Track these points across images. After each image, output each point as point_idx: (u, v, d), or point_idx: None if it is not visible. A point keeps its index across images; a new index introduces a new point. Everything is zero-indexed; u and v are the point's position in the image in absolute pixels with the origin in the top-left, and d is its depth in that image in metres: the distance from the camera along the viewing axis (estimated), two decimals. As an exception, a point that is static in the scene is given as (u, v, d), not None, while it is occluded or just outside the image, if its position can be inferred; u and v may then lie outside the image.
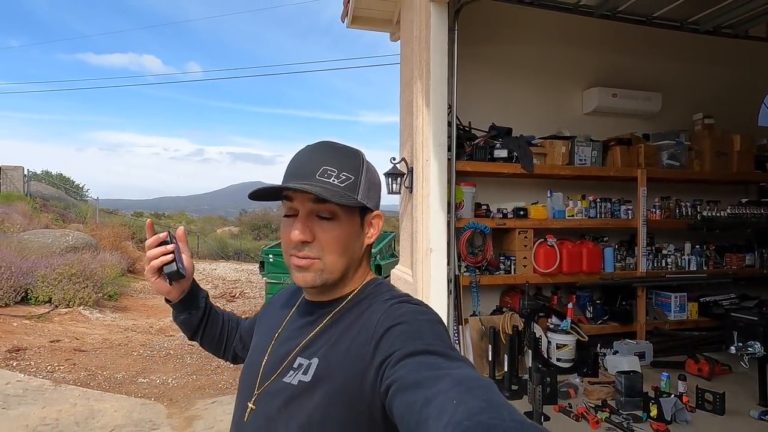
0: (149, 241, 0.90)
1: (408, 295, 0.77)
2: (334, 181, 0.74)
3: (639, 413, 2.54)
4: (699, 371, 3.19)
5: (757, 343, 2.61)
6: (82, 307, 5.38)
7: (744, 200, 4.26)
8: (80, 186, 21.96)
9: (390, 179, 3.65)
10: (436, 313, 0.73)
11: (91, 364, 3.68)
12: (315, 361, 0.73)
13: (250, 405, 0.77)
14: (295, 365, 0.75)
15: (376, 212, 0.82)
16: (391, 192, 3.69)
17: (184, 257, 0.93)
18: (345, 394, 0.68)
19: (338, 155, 0.77)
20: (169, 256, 0.89)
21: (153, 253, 0.88)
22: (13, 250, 5.67)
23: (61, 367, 3.54)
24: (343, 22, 4.56)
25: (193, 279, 0.99)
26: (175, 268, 0.89)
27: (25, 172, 15.21)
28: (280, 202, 0.79)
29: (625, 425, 2.41)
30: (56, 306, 5.35)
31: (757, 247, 4.23)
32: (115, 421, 2.68)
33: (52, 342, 4.13)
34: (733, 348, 2.63)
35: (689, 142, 4.05)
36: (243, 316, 1.16)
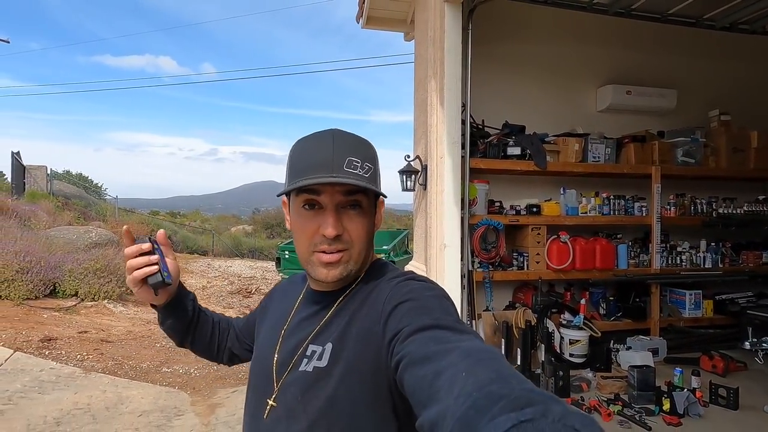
0: (129, 250, 0.82)
1: (413, 273, 0.78)
2: (359, 171, 0.73)
3: (651, 407, 2.57)
4: (713, 368, 3.19)
5: (772, 339, 2.61)
6: (106, 301, 5.59)
7: (761, 197, 4.22)
8: (99, 185, 22.52)
9: (404, 176, 3.73)
10: (442, 289, 0.73)
11: (117, 354, 3.85)
12: (329, 346, 0.73)
13: (270, 402, 0.76)
14: (308, 353, 0.74)
15: (381, 199, 0.83)
16: (405, 189, 3.76)
17: (169, 261, 0.87)
18: (364, 373, 0.68)
19: (358, 145, 0.77)
20: (154, 267, 0.81)
21: (135, 263, 0.81)
22: (42, 246, 5.91)
23: (90, 356, 3.71)
24: (358, 23, 4.64)
25: (180, 281, 0.94)
26: (161, 279, 0.81)
27: (48, 172, 15.67)
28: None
29: (638, 418, 2.44)
30: (82, 299, 5.57)
31: (774, 245, 4.19)
32: (142, 407, 2.82)
33: (80, 333, 4.32)
34: (747, 344, 2.64)
35: (705, 139, 4.02)
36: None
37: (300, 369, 0.74)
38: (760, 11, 3.63)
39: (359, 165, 0.74)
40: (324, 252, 0.74)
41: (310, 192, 0.73)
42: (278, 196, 0.79)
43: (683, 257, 3.99)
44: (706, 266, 3.99)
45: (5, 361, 3.35)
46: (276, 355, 0.79)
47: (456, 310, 0.70)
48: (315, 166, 0.73)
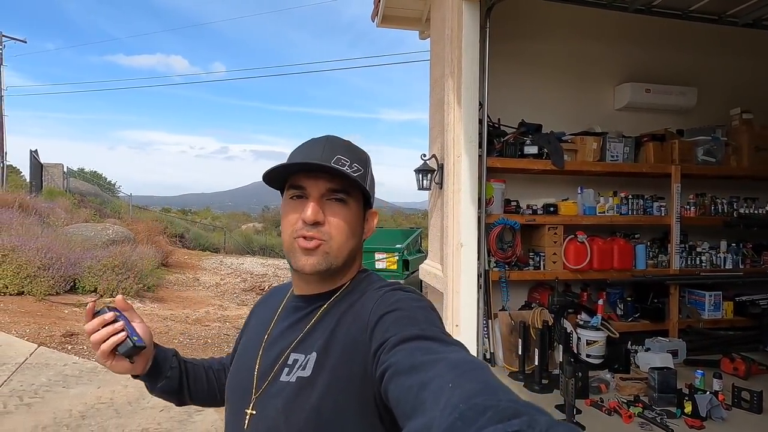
0: (90, 325, 0.79)
1: (399, 284, 0.78)
2: (347, 170, 0.75)
3: (673, 409, 2.54)
4: (735, 370, 3.14)
5: (797, 341, 2.56)
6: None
7: (784, 197, 4.13)
8: (112, 183, 22.87)
9: (420, 175, 3.73)
10: (428, 300, 0.74)
11: (137, 350, 3.92)
12: (313, 355, 0.71)
13: (248, 411, 0.74)
14: (290, 362, 0.73)
15: (373, 210, 0.85)
16: (421, 188, 3.76)
17: (136, 325, 0.83)
18: (349, 383, 0.67)
19: (349, 148, 0.80)
20: (121, 335, 0.78)
21: (99, 336, 0.78)
22: (62, 243, 6.04)
23: (111, 352, 3.78)
24: (373, 22, 4.65)
25: (154, 342, 0.89)
26: (131, 344, 0.78)
27: (65, 170, 15.97)
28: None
29: (659, 420, 2.42)
30: (101, 295, 5.68)
31: (797, 246, 4.11)
32: (163, 403, 2.85)
33: (100, 329, 4.38)
34: (771, 346, 2.59)
35: (726, 137, 3.96)
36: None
37: (281, 379, 0.72)
38: (785, 7, 3.55)
39: (348, 164, 0.76)
40: (303, 237, 0.74)
41: (297, 188, 0.76)
42: (268, 183, 0.80)
43: (703, 258, 3.93)
44: (726, 267, 3.93)
45: (30, 355, 3.43)
46: (257, 366, 0.77)
47: (441, 321, 0.71)
48: (302, 159, 0.76)
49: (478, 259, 3.33)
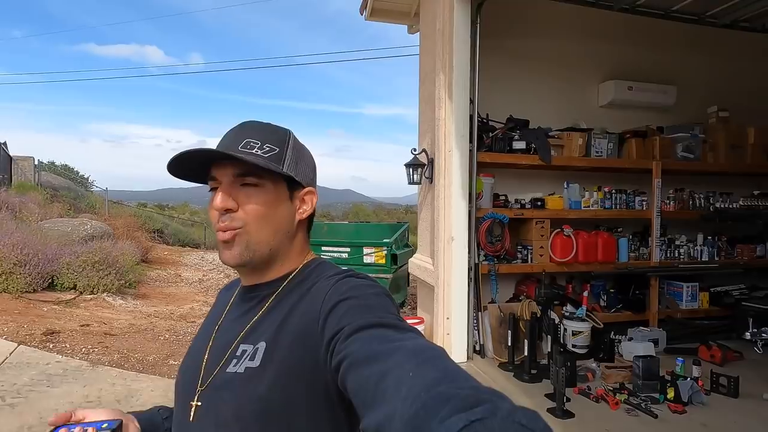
0: None
1: (352, 271, 0.76)
2: (257, 152, 0.71)
3: (656, 395, 2.64)
4: (711, 357, 3.29)
5: (771, 329, 2.70)
6: (105, 294, 5.52)
7: (756, 192, 4.32)
8: (86, 177, 22.09)
9: (411, 170, 3.75)
10: (382, 286, 0.72)
11: (122, 347, 3.82)
12: (262, 345, 0.69)
13: (193, 403, 0.71)
14: (239, 353, 0.70)
15: (308, 188, 0.79)
16: (411, 182, 3.79)
17: (91, 415, 0.73)
18: (299, 373, 0.66)
19: (262, 129, 0.76)
20: None
21: None
22: (37, 239, 5.82)
23: (96, 350, 3.69)
24: (362, 15, 4.62)
25: (132, 413, 0.83)
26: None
27: (36, 163, 15.36)
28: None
29: (644, 406, 2.52)
30: (81, 292, 5.50)
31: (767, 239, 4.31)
32: (153, 400, 2.82)
33: (82, 326, 4.27)
34: (748, 334, 2.73)
35: (703, 134, 4.10)
36: None
37: (228, 370, 0.69)
38: (761, 9, 3.69)
39: (257, 146, 0.72)
40: (220, 230, 0.72)
41: (211, 179, 0.73)
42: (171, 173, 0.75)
43: (681, 250, 4.08)
44: (702, 259, 4.09)
45: (10, 354, 3.31)
46: (205, 358, 0.74)
47: (397, 307, 0.69)
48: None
49: (469, 253, 3.38)
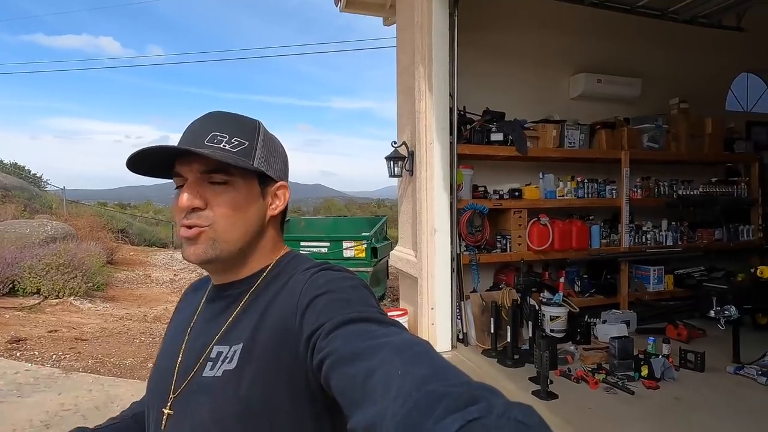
0: None
1: (328, 263, 0.72)
2: (225, 146, 0.67)
3: (631, 374, 2.79)
4: (678, 335, 3.50)
5: (732, 307, 2.90)
6: (72, 298, 5.25)
7: (714, 179, 4.60)
8: (38, 175, 20.83)
9: (392, 163, 3.75)
10: (359, 278, 0.70)
11: (96, 352, 3.66)
12: (239, 346, 0.66)
13: (165, 411, 0.68)
14: (214, 355, 0.67)
15: (280, 183, 0.76)
16: (392, 175, 3.80)
17: None
18: (278, 370, 0.63)
19: (230, 121, 0.71)
20: None
21: None
22: (-7, 242, 5.47)
23: (67, 356, 3.51)
24: (337, 6, 4.56)
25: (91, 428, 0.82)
26: None
27: (-17, 161, 14.34)
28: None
29: (621, 384, 2.65)
30: (46, 297, 5.21)
31: (724, 223, 4.59)
32: (134, 404, 2.72)
33: (50, 332, 4.05)
34: (712, 312, 2.91)
35: (667, 125, 4.32)
36: None
37: (205, 375, 0.66)
38: (717, 6, 3.91)
39: (225, 140, 0.68)
40: (184, 226, 0.68)
41: (177, 176, 0.70)
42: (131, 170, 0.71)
43: (648, 236, 4.29)
44: (667, 244, 4.32)
45: (-28, 365, 3.12)
46: (177, 362, 0.71)
47: (376, 299, 0.67)
48: (179, 144, 0.68)
49: (451, 244, 3.44)
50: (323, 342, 0.55)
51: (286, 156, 0.79)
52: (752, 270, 3.37)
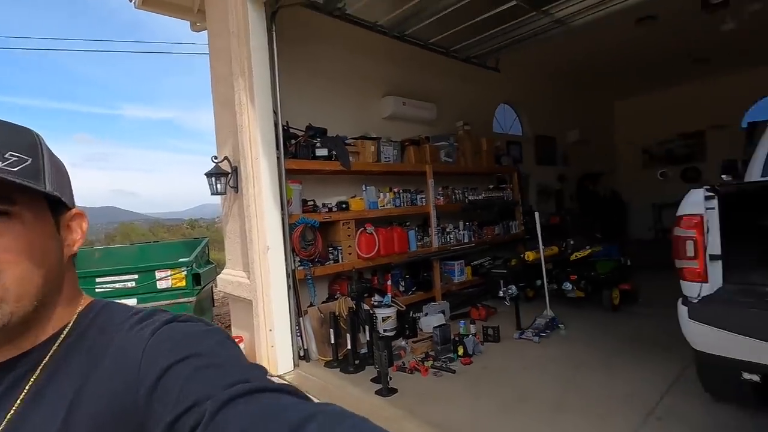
0: None
1: (164, 311, 0.58)
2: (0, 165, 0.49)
3: (452, 355, 3.24)
4: (479, 315, 4.24)
5: (513, 286, 3.69)
6: None
7: (491, 186, 5.77)
8: None
9: (213, 179, 3.47)
10: (220, 328, 0.58)
11: None
12: None
13: None
14: None
15: (75, 211, 0.59)
16: (215, 193, 3.51)
17: None
18: None
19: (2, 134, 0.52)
20: None
21: None
22: None
23: None
24: (131, 1, 3.97)
25: None
26: None
27: None
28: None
29: (445, 366, 3.05)
30: None
31: (500, 221, 5.81)
32: None
33: None
34: (500, 292, 3.63)
35: (457, 143, 5.22)
36: None
37: None
38: (481, 51, 4.95)
39: None
40: None
41: None
42: None
43: (451, 236, 5.08)
44: (465, 241, 5.20)
45: None
46: None
47: (239, 347, 0.55)
48: None
49: (285, 260, 3.37)
50: (209, 429, 0.41)
51: (69, 176, 0.60)
52: (521, 255, 4.36)
